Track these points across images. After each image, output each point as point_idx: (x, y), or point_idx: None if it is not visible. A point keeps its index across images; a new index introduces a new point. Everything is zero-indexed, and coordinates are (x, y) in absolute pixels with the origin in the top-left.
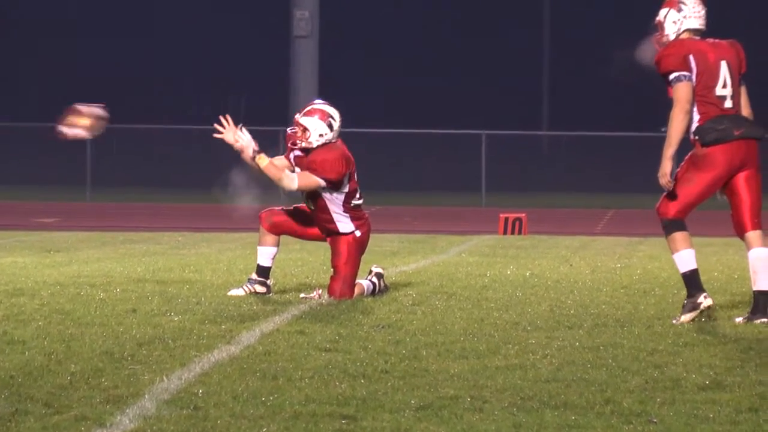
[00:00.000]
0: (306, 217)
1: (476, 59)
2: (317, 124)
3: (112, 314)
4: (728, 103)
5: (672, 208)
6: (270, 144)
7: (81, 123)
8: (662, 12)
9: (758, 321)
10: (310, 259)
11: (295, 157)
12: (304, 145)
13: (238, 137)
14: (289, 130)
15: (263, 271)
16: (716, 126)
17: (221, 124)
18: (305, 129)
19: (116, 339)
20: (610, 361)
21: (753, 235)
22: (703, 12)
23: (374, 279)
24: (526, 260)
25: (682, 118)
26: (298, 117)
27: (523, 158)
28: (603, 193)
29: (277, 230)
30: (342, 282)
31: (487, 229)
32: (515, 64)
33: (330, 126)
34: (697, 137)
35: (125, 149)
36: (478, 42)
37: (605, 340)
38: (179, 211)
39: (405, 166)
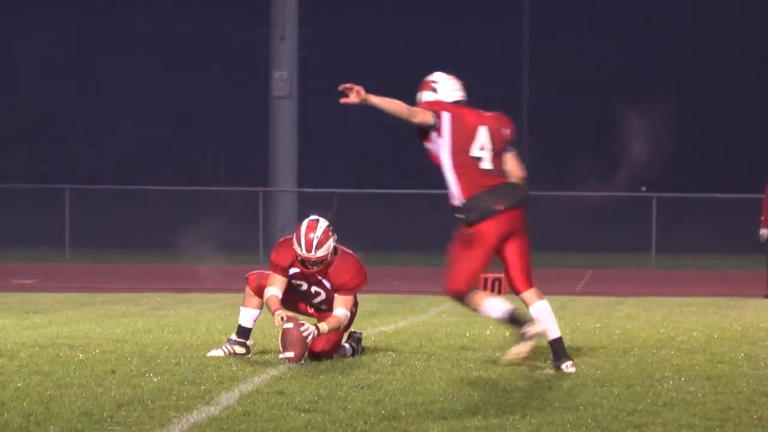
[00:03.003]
0: (292, 291)
1: None
2: (330, 244)
3: (91, 375)
4: (486, 165)
5: (460, 286)
6: (250, 204)
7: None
8: (419, 96)
9: (564, 366)
10: None
11: (294, 274)
12: (327, 266)
13: (307, 334)
14: (310, 266)
15: (244, 332)
16: (478, 204)
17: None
18: (325, 257)
19: (95, 400)
20: (589, 421)
21: (528, 294)
22: (458, 85)
23: (353, 344)
24: None
25: (405, 111)
26: (311, 254)
27: None
28: (582, 253)
29: (263, 295)
30: (326, 341)
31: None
32: None
33: (334, 232)
34: (461, 217)
35: (104, 210)
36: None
37: (585, 400)
38: (158, 271)
39: (384, 225)
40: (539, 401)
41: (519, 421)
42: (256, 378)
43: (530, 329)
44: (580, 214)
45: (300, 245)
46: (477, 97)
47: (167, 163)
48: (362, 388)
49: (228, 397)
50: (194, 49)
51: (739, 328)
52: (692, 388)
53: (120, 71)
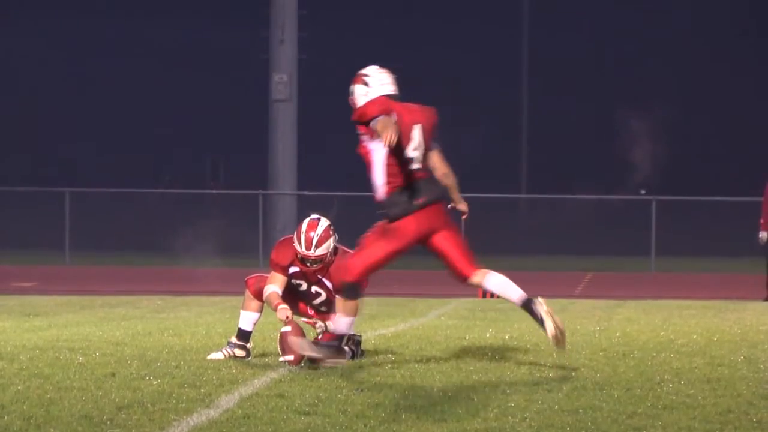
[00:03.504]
0: (292, 291)
1: (453, 122)
2: (330, 244)
3: (91, 378)
4: (416, 165)
5: (355, 272)
6: (249, 207)
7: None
8: (351, 89)
9: (537, 305)
10: None
11: (294, 273)
12: (327, 266)
13: (321, 331)
14: (309, 264)
15: (244, 335)
16: (397, 200)
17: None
18: (324, 256)
19: (95, 403)
20: (589, 424)
21: (478, 276)
22: (389, 78)
23: (353, 347)
24: (505, 323)
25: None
26: (311, 252)
27: (501, 221)
28: (582, 255)
29: (262, 297)
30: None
31: (467, 292)
32: (493, 127)
33: (335, 232)
34: (383, 211)
35: (104, 213)
36: (455, 104)
37: (584, 402)
38: (158, 274)
39: None
40: (539, 404)
41: (519, 423)
42: (256, 381)
43: (329, 362)
44: (579, 217)
45: (300, 243)
46: (476, 99)
47: (167, 165)
48: (362, 391)
49: (228, 400)
50: (194, 51)
51: (739, 331)
52: (692, 391)
53: (120, 74)
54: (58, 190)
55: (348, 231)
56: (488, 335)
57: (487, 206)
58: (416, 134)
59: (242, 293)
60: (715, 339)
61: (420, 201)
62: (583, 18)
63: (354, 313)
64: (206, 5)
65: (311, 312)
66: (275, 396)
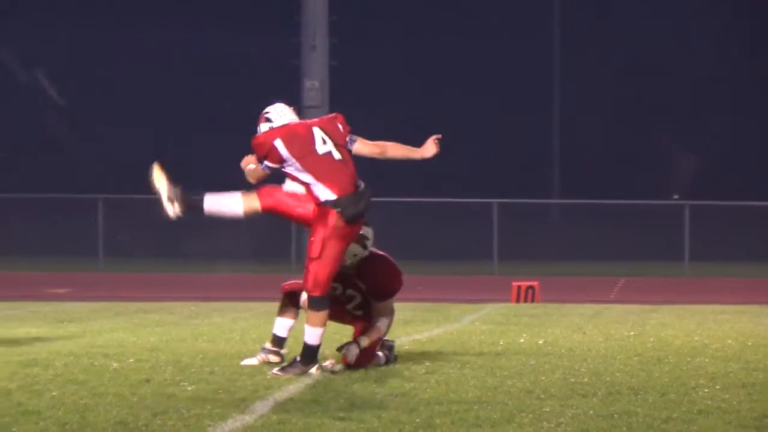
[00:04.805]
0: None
1: (487, 128)
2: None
3: (126, 384)
4: (336, 155)
5: (323, 284)
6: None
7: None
8: (258, 128)
9: None
10: None
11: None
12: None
13: (351, 358)
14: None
15: (278, 341)
16: (354, 203)
17: None
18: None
19: (130, 409)
20: (624, 429)
21: None
22: (288, 110)
23: (386, 352)
24: (539, 328)
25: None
26: None
27: (535, 226)
28: (615, 261)
29: (299, 304)
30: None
31: (500, 297)
32: (525, 133)
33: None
34: (339, 210)
35: (137, 219)
36: (489, 110)
37: (619, 408)
38: (192, 280)
39: (416, 234)
40: (574, 409)
41: (554, 429)
42: (290, 386)
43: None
44: (613, 222)
45: None
46: (508, 104)
47: (198, 171)
48: (397, 396)
49: (263, 406)
50: (225, 57)
51: None
52: (727, 396)
53: (150, 80)
54: (91, 196)
55: (378, 236)
56: (522, 340)
57: (520, 212)
58: (317, 133)
59: (276, 299)
60: (750, 344)
61: (364, 210)
62: (616, 21)
63: (323, 324)
64: (237, 11)
65: (346, 318)
66: (310, 401)
